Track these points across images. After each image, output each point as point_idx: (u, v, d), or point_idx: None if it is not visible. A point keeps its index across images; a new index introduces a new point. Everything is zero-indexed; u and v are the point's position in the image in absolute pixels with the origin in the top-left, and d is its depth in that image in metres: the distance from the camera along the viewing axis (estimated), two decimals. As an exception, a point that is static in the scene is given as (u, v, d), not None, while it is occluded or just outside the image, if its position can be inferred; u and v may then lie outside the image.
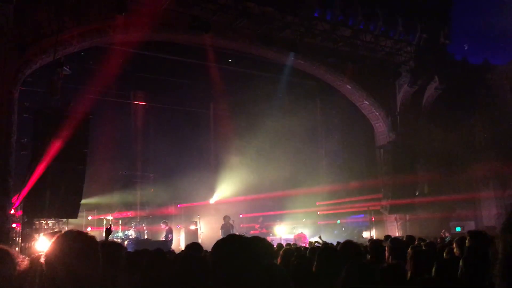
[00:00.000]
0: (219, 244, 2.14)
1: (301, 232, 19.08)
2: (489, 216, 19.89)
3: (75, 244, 2.16)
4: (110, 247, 3.25)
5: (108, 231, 7.26)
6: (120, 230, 17.56)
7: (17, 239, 12.68)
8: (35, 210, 12.59)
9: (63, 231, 2.31)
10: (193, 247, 5.68)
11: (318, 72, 18.98)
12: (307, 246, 17.26)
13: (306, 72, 19.03)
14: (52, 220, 14.10)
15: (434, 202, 18.53)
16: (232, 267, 2.03)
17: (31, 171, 12.36)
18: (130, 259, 5.25)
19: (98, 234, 16.14)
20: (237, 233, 17.07)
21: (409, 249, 4.75)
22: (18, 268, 2.54)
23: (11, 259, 2.55)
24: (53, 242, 2.18)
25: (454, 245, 5.88)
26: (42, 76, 14.15)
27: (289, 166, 20.06)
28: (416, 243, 7.63)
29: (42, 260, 2.15)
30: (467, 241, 4.63)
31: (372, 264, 2.97)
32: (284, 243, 11.93)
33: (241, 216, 19.93)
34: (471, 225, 19.43)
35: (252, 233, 19.47)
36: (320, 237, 13.86)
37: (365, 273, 2.80)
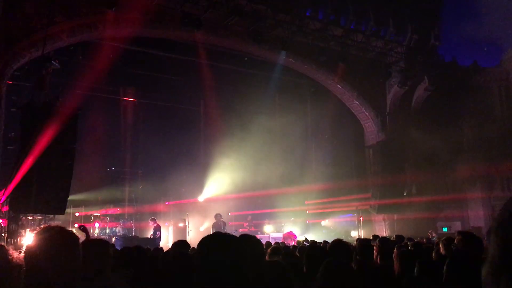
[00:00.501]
0: (203, 243, 2.12)
1: (290, 231, 19.11)
2: (476, 216, 20.10)
3: (54, 238, 2.15)
4: (96, 244, 3.23)
5: (83, 228, 7.21)
6: (107, 227, 17.45)
7: (3, 234, 12.53)
8: (21, 206, 12.43)
9: (42, 227, 2.29)
10: (181, 244, 5.65)
11: (309, 71, 19.00)
12: (296, 244, 17.32)
13: (297, 71, 19.04)
14: (39, 216, 13.97)
15: (421, 202, 18.67)
16: (216, 265, 2.02)
17: (18, 166, 12.21)
18: (121, 256, 5.23)
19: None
20: (227, 231, 17.12)
21: (395, 249, 4.77)
22: (12, 262, 2.51)
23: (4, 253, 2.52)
24: (33, 239, 2.17)
25: (440, 245, 5.92)
26: (30, 71, 13.99)
27: (279, 164, 20.07)
28: (404, 243, 7.68)
29: (22, 254, 2.14)
30: (456, 241, 4.64)
31: (347, 264, 2.96)
32: (272, 242, 11.92)
33: (230, 214, 19.90)
34: (458, 226, 19.62)
35: (241, 231, 19.46)
36: (306, 239, 13.90)
37: (340, 272, 2.79)
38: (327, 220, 21.76)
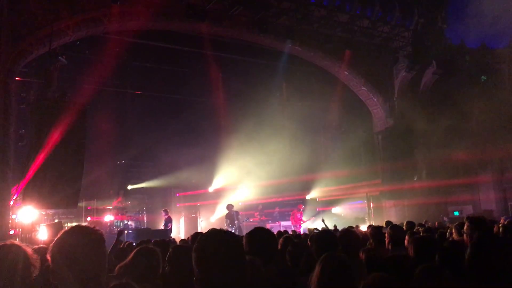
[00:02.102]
0: (202, 244, 2.15)
1: (295, 215, 18.87)
2: (487, 199, 20.03)
3: (80, 239, 2.17)
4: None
5: (120, 233, 7.47)
6: (120, 220, 17.60)
7: (18, 230, 12.69)
8: (34, 201, 12.58)
9: (68, 226, 2.31)
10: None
11: (315, 59, 18.90)
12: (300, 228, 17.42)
13: (303, 59, 18.94)
14: (52, 210, 14.13)
15: (432, 187, 18.60)
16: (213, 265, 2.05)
17: (29, 162, 12.35)
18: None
19: (98, 223, 16.22)
20: (239, 221, 17.24)
21: (407, 235, 4.78)
22: (33, 268, 2.55)
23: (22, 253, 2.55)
24: (59, 237, 2.18)
25: (453, 231, 5.92)
26: (38, 67, 14.06)
27: (288, 153, 20.07)
28: (416, 229, 7.69)
29: (48, 255, 2.15)
30: (465, 227, 4.63)
31: (347, 259, 2.96)
32: (283, 230, 11.98)
33: (240, 204, 19.98)
34: (469, 209, 19.56)
35: (252, 220, 19.58)
36: (323, 221, 14.00)
37: (340, 268, 2.79)
38: (337, 207, 21.80)
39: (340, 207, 21.75)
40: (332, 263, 2.78)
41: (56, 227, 11.33)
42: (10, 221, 12.13)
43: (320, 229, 11.39)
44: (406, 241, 4.74)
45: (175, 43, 17.00)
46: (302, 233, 13.63)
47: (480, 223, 4.73)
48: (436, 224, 13.00)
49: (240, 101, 20.25)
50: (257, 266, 2.67)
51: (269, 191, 20.51)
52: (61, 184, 12.81)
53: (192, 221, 19.20)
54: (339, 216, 21.37)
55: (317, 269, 2.79)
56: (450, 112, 18.47)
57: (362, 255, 4.31)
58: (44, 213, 14.04)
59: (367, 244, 5.76)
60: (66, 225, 12.86)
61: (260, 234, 3.48)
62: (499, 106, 18.73)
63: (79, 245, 2.14)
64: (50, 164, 12.47)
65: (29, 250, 2.62)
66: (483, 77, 19.45)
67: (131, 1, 13.86)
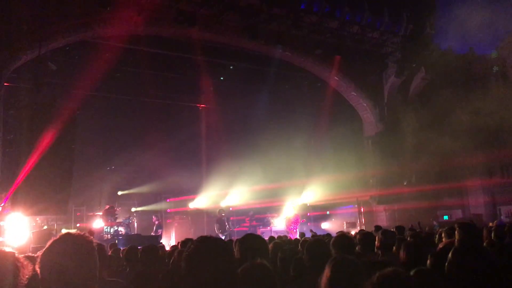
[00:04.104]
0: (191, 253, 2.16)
1: (292, 221, 18.91)
2: (476, 204, 20.18)
3: (70, 250, 2.11)
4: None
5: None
6: (110, 226, 17.48)
7: (6, 236, 12.55)
8: (23, 207, 12.47)
9: (59, 234, 2.26)
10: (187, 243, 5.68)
11: (305, 64, 18.99)
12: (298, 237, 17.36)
13: (293, 64, 19.02)
14: (41, 216, 14.01)
15: (422, 192, 18.71)
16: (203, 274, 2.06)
17: (18, 168, 12.25)
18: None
19: (87, 230, 16.08)
20: (230, 226, 17.18)
21: (397, 241, 4.80)
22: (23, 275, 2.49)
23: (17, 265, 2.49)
24: (47, 247, 2.14)
25: (443, 235, 5.97)
26: (27, 72, 13.96)
27: (278, 158, 20.09)
28: (407, 234, 7.73)
29: (37, 265, 2.11)
30: (456, 233, 4.69)
31: (358, 260, 2.97)
32: (275, 235, 11.98)
33: (231, 209, 19.96)
34: (459, 214, 19.72)
35: (243, 225, 19.55)
36: (311, 230, 13.99)
37: (352, 269, 2.80)
38: (328, 212, 21.83)
39: (330, 211, 21.79)
40: (343, 264, 2.79)
41: (44, 234, 11.24)
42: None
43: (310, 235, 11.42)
44: (399, 247, 4.76)
45: (166, 49, 16.99)
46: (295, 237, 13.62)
47: (469, 229, 4.79)
48: (427, 228, 13.09)
49: (230, 106, 20.25)
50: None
51: (259, 196, 20.50)
52: (50, 190, 12.72)
53: (182, 227, 19.14)
54: (330, 221, 21.43)
55: (327, 271, 2.80)
56: (439, 117, 18.62)
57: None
58: (34, 219, 13.92)
59: (356, 249, 5.76)
60: (55, 231, 12.77)
61: (251, 241, 3.49)
62: (487, 111, 18.91)
63: (68, 255, 2.08)
64: (39, 170, 12.37)
65: (18, 257, 2.57)
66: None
67: (121, 7, 13.82)
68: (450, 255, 2.75)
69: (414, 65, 19.48)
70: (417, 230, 9.44)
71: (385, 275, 2.02)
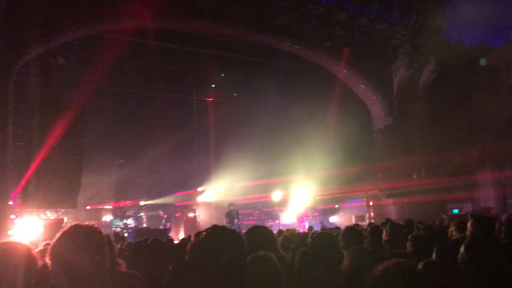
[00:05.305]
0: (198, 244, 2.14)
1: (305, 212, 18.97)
2: (486, 197, 20.03)
3: (79, 241, 2.10)
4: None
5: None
6: (119, 219, 17.60)
7: (16, 230, 12.68)
8: (33, 201, 12.59)
9: (68, 225, 2.26)
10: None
11: (314, 57, 18.88)
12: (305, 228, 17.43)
13: (302, 57, 18.92)
14: (52, 210, 14.13)
15: (431, 185, 18.59)
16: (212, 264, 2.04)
17: (28, 162, 12.34)
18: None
19: (97, 223, 16.19)
20: (239, 220, 17.22)
21: (409, 235, 4.77)
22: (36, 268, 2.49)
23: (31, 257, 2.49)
24: (56, 240, 2.13)
25: (453, 228, 5.92)
26: (36, 67, 14.02)
27: (286, 151, 20.06)
28: (415, 227, 7.69)
29: (47, 257, 2.11)
30: (469, 225, 4.63)
31: (374, 251, 2.97)
32: (284, 229, 11.99)
33: (239, 202, 19.98)
34: (469, 207, 19.58)
35: (251, 218, 19.59)
36: (321, 223, 14.03)
37: (370, 259, 2.80)
38: (336, 206, 21.79)
39: (339, 205, 21.75)
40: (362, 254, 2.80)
41: (55, 225, 11.32)
42: (9, 221, 12.12)
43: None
44: (408, 241, 4.74)
45: (174, 42, 16.97)
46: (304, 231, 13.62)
47: (483, 221, 4.73)
48: (437, 222, 13.00)
49: (238, 101, 20.23)
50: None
51: (267, 190, 20.50)
52: (60, 184, 12.81)
53: (191, 220, 19.21)
54: (339, 215, 21.40)
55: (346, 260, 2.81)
56: (449, 109, 18.47)
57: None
58: (42, 213, 14.03)
59: (365, 242, 5.75)
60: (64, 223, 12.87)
61: (259, 232, 3.49)
62: (497, 103, 18.72)
63: (78, 247, 2.07)
64: (49, 164, 12.46)
65: (30, 249, 2.58)
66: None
67: (128, 1, 13.83)
68: (462, 248, 2.73)
69: (424, 58, 19.28)
70: (426, 224, 9.37)
71: (388, 267, 2.01)
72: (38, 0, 12.82)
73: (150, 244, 5.45)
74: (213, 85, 20.35)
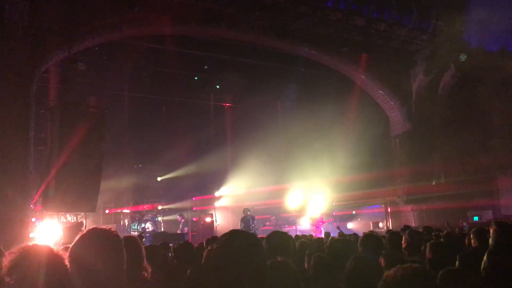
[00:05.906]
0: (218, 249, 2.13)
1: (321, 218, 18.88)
2: (507, 205, 19.65)
3: (96, 245, 2.13)
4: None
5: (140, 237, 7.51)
6: (137, 224, 17.75)
7: (37, 232, 12.88)
8: (53, 204, 12.77)
9: (86, 229, 2.29)
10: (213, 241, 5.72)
11: (331, 63, 18.82)
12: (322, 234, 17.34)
13: (319, 63, 18.89)
14: (71, 214, 14.31)
15: (451, 192, 18.33)
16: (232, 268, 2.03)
17: (49, 166, 12.54)
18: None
19: (116, 227, 16.35)
20: (255, 225, 17.20)
21: (428, 243, 4.72)
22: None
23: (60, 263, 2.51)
24: (74, 244, 2.16)
25: (472, 237, 5.83)
26: (58, 73, 14.29)
27: (303, 157, 20.01)
28: (435, 234, 7.59)
29: (66, 260, 2.14)
30: (492, 232, 4.53)
31: (372, 259, 2.95)
32: (300, 234, 11.97)
33: (256, 208, 19.98)
34: (489, 215, 19.22)
35: (268, 224, 19.55)
36: (338, 227, 13.93)
37: (368, 267, 2.78)
38: (354, 212, 21.63)
39: (356, 211, 21.59)
40: (361, 263, 2.79)
41: (75, 229, 11.45)
42: (30, 224, 12.32)
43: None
44: (427, 248, 4.69)
45: (192, 48, 17.11)
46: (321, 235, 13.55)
47: (507, 228, 4.64)
48: (456, 229, 12.80)
49: (255, 106, 20.26)
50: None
51: (284, 195, 20.47)
52: (79, 188, 12.98)
53: (208, 225, 19.27)
54: (356, 221, 21.23)
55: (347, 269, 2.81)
56: (468, 115, 18.21)
57: (381, 260, 4.27)
58: (63, 216, 14.23)
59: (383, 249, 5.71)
60: (84, 227, 13.02)
61: (278, 237, 3.49)
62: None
63: (95, 250, 2.10)
64: (69, 168, 12.64)
65: (53, 252, 2.61)
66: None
67: (148, 7, 14.01)
68: (485, 256, 2.69)
69: (443, 63, 19.06)
70: (445, 232, 9.24)
71: (406, 271, 1.98)
72: (60, 8, 13.07)
73: (175, 248, 5.49)
74: (217, 86, 20.32)
